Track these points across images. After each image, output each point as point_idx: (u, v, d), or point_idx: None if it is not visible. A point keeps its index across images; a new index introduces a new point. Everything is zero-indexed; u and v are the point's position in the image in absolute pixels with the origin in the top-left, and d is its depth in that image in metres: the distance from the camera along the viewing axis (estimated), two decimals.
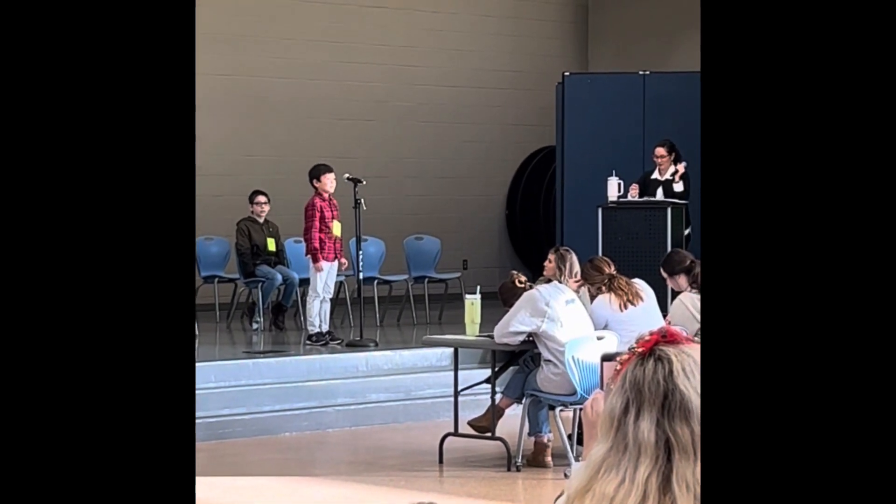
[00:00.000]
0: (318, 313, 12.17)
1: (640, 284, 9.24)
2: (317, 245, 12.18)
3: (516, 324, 8.60)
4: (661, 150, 13.26)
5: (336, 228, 12.28)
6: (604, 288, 9.07)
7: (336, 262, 12.39)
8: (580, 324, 8.65)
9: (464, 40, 17.70)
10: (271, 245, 13.74)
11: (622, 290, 9.04)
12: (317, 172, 12.42)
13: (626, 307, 8.97)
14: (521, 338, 8.66)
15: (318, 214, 12.16)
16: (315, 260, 12.17)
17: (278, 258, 13.82)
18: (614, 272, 9.17)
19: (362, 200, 12.29)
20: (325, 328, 12.25)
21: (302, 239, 12.70)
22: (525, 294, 8.75)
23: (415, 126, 17.35)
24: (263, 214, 13.81)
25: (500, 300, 8.99)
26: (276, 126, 16.34)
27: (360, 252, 12.51)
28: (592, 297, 9.11)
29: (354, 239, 12.58)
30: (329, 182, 12.30)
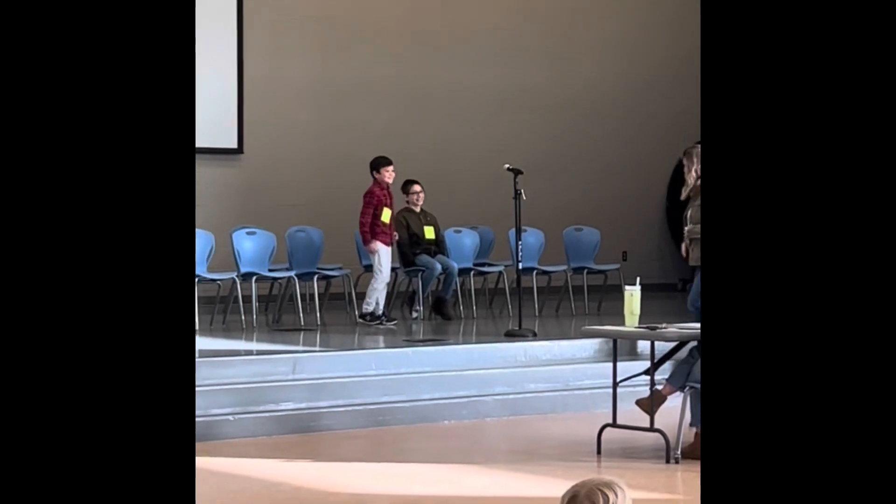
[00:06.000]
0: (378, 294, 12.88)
1: None
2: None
3: None
4: None
5: (385, 216, 12.91)
6: None
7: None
8: None
9: (628, 32, 17.60)
10: (429, 234, 13.81)
11: None
12: (377, 164, 13.04)
13: None
14: None
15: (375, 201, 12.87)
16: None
17: (438, 247, 13.89)
18: None
19: (522, 191, 12.31)
20: (381, 310, 12.91)
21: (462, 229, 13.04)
22: None
23: (575, 117, 17.31)
24: (420, 203, 13.87)
25: None
26: (436, 117, 16.43)
27: (520, 242, 12.53)
28: None
29: (514, 230, 12.60)
30: (388, 174, 12.97)
